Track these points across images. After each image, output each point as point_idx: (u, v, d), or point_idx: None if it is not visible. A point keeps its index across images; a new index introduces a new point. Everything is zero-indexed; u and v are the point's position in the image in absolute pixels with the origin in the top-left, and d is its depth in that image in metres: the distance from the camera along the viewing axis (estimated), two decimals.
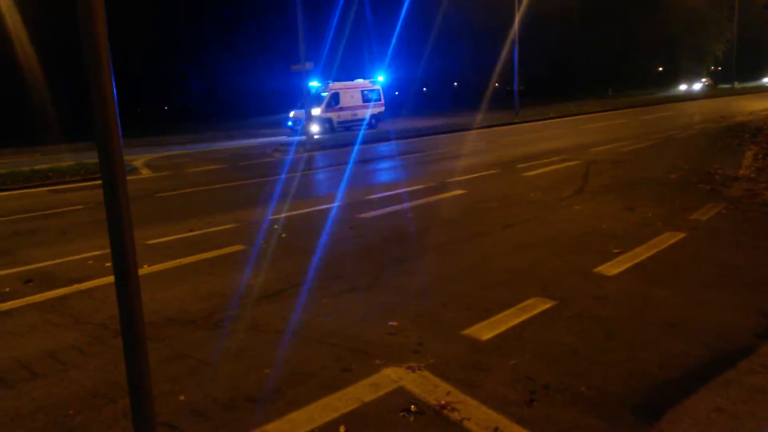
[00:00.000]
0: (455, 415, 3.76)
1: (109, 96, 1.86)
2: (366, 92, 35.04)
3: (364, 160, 19.56)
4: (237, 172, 18.21)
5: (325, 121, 32.15)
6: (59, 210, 12.34)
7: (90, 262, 7.91)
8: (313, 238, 8.73)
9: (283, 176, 16.36)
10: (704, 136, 20.83)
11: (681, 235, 7.75)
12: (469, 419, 3.71)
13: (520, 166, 15.35)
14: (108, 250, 7.25)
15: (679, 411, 3.64)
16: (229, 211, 11.23)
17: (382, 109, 35.92)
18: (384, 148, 23.75)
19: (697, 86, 59.94)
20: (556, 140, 21.92)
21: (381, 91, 35.75)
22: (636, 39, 68.35)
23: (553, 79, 53.68)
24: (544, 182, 12.62)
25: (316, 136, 27.33)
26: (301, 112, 28.11)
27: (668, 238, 7.65)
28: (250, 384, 4.32)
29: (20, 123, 32.55)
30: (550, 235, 8.23)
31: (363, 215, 10.23)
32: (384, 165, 18.66)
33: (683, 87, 62.54)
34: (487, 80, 48.26)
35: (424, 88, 61.59)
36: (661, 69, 78.60)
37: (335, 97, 33.21)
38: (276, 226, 9.61)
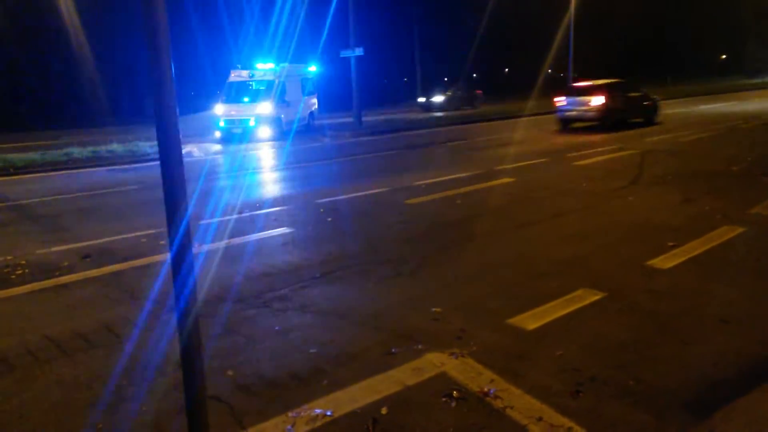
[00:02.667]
0: (498, 403, 3.73)
1: (167, 79, 1.91)
2: (302, 81, 26.31)
3: (410, 146, 19.49)
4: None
5: (277, 122, 23.13)
6: (114, 189, 12.78)
7: (143, 240, 8.18)
8: (360, 223, 8.78)
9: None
10: None
11: (740, 230, 7.44)
12: (512, 407, 3.68)
13: (570, 154, 15.01)
14: (161, 229, 7.48)
15: (732, 410, 3.51)
16: (279, 193, 11.39)
17: (316, 104, 27.94)
18: (431, 134, 23.60)
19: (439, 98, 50.66)
20: (610, 128, 21.31)
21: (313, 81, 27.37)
22: (699, 25, 65.60)
23: (609, 66, 52.06)
24: (596, 172, 12.31)
25: (268, 144, 21.31)
26: (237, 108, 22.68)
27: (726, 232, 7.36)
28: (296, 363, 4.40)
29: (78, 106, 33.77)
30: (601, 225, 8.03)
31: (410, 201, 10.21)
32: (433, 151, 18.54)
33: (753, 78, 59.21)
34: (540, 66, 47.18)
35: (474, 75, 60.78)
36: (724, 57, 75.26)
37: (283, 88, 23.87)
38: (322, 210, 9.69)
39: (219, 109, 22.75)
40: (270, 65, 23.90)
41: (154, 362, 4.51)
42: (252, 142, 21.78)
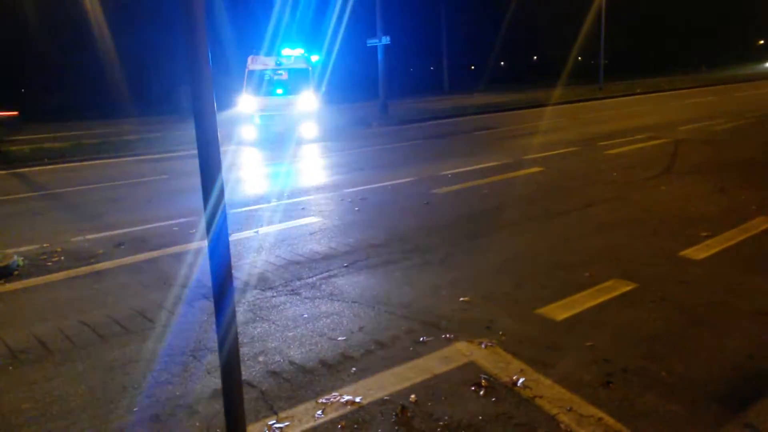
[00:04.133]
0: (527, 393, 3.72)
1: (204, 67, 1.93)
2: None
3: (437, 135, 19.40)
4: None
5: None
6: (146, 179, 13.00)
7: (175, 228, 8.32)
8: (387, 212, 8.79)
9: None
10: None
11: None
12: (541, 397, 3.67)
13: (601, 143, 14.78)
14: (191, 218, 7.60)
15: (767, 404, 3.45)
16: (307, 183, 11.46)
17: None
18: (461, 122, 23.45)
19: None
20: (642, 117, 20.92)
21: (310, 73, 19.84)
22: (735, 8, 63.67)
23: (642, 54, 51.00)
24: (627, 161, 12.10)
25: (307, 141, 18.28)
26: (272, 102, 18.74)
27: (762, 223, 7.19)
28: (325, 350, 4.44)
29: (108, 98, 34.34)
30: (633, 216, 7.91)
31: (437, 190, 10.18)
32: (460, 140, 18.42)
33: None
34: (568, 54, 46.42)
35: (502, 62, 60.07)
36: (762, 42, 73.04)
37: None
38: (350, 200, 9.73)
39: (248, 103, 18.54)
40: (299, 51, 19.69)
41: (187, 347, 4.61)
42: (294, 141, 18.10)
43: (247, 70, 19.04)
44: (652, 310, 4.92)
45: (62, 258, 7.12)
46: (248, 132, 18.45)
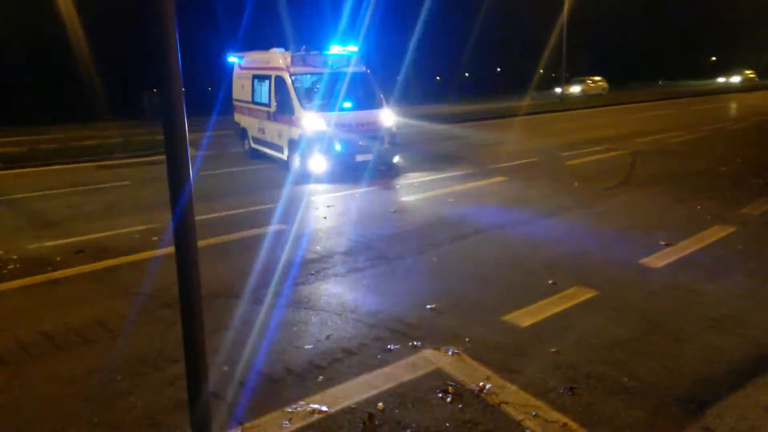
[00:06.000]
0: (493, 399, 3.76)
1: (174, 73, 1.90)
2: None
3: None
4: None
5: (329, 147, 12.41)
6: (107, 185, 12.69)
7: (137, 235, 8.14)
8: (354, 220, 8.78)
9: None
10: (758, 129, 20.06)
11: (731, 229, 7.51)
12: (507, 403, 3.70)
13: (563, 154, 15.07)
14: (153, 225, 7.42)
15: (725, 406, 3.56)
16: (270, 190, 11.35)
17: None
18: (427, 132, 23.61)
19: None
20: (602, 129, 21.42)
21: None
22: (691, 27, 65.94)
23: (602, 67, 52.33)
24: (588, 171, 12.37)
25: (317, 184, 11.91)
26: (348, 120, 12.47)
27: (717, 232, 7.43)
28: (292, 358, 4.40)
29: (69, 99, 33.44)
30: (594, 225, 8.08)
31: (404, 199, 10.22)
32: (425, 149, 18.54)
33: (721, 79, 59.37)
34: (532, 67, 47.33)
35: (467, 74, 60.77)
36: (714, 59, 75.76)
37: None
38: (317, 208, 9.68)
39: (312, 121, 12.16)
40: (352, 48, 13.69)
41: (148, 358, 4.50)
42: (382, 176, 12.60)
43: (291, 74, 12.84)
44: (613, 316, 5.03)
45: (18, 265, 6.88)
46: (326, 165, 12.09)
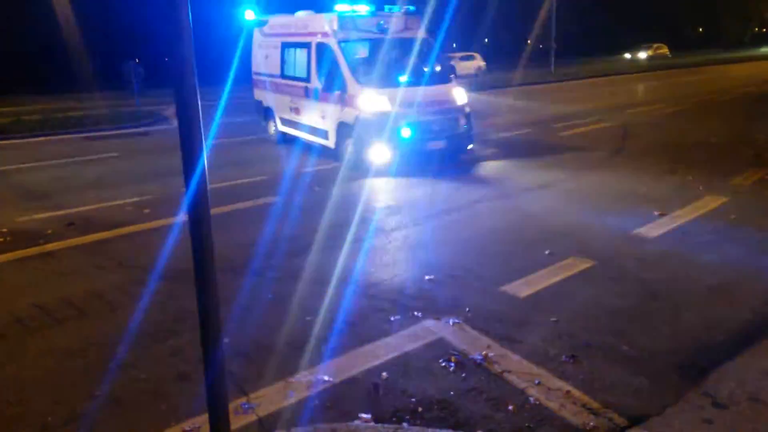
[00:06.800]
0: (496, 368, 3.79)
1: (186, 34, 1.83)
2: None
3: None
4: None
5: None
6: (95, 157, 12.49)
7: (129, 208, 8.04)
8: (348, 192, 8.72)
9: None
10: (745, 99, 20.14)
11: (723, 200, 7.57)
12: (510, 372, 3.74)
13: (556, 125, 15.05)
14: (145, 197, 7.30)
15: (724, 372, 3.62)
16: (260, 164, 11.23)
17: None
18: None
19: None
20: (592, 101, 21.38)
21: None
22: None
23: (590, 39, 52.05)
24: (581, 142, 12.37)
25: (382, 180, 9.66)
26: (413, 97, 9.88)
27: (709, 202, 7.48)
28: (292, 330, 4.40)
29: (55, 70, 32.66)
30: (588, 195, 8.11)
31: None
32: None
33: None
34: (520, 38, 47.01)
35: (454, 44, 60.27)
36: (701, 30, 75.60)
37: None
38: (309, 180, 9.61)
39: (373, 99, 9.77)
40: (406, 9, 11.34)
41: (147, 330, 4.47)
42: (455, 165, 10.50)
43: (337, 36, 10.40)
44: (610, 286, 5.07)
45: (9, 239, 6.78)
46: (390, 155, 9.68)
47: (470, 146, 10.69)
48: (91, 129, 16.64)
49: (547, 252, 5.88)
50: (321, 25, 10.83)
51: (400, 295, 4.95)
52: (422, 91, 10.01)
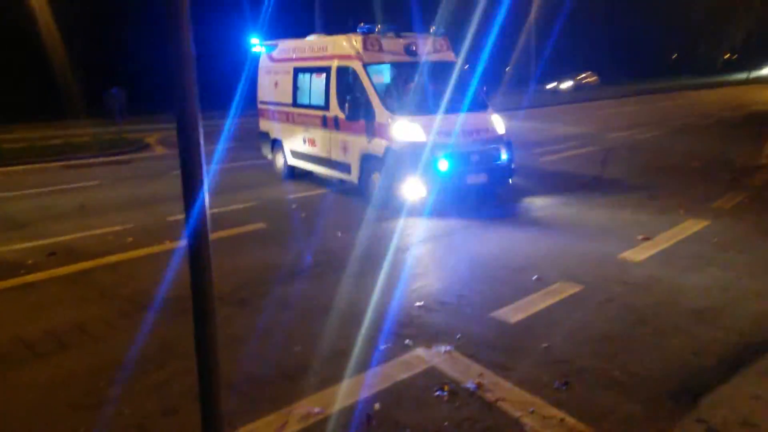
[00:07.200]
0: (489, 396, 3.75)
1: (187, 59, 1.82)
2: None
3: None
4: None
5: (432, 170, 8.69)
6: (76, 185, 12.34)
7: (110, 237, 7.92)
8: (336, 219, 8.70)
9: None
10: (721, 124, 20.59)
11: (705, 223, 7.68)
12: (503, 400, 3.71)
13: (535, 151, 15.23)
14: (128, 226, 7.19)
15: (716, 398, 3.62)
16: (249, 189, 11.18)
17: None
18: None
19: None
20: (571, 126, 21.72)
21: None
22: (654, 24, 67.19)
23: (567, 65, 53.15)
24: (562, 168, 12.52)
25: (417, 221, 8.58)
26: (451, 125, 8.99)
27: (692, 226, 7.59)
28: (282, 360, 4.33)
29: (33, 98, 32.42)
30: (572, 221, 8.18)
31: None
32: None
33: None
34: (500, 64, 47.76)
35: None
36: (675, 56, 77.49)
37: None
38: (294, 206, 9.58)
39: (406, 129, 8.81)
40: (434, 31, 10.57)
41: (131, 362, 4.37)
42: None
43: (364, 62, 9.44)
44: (599, 311, 5.08)
45: None
46: (426, 191, 8.66)
47: (510, 180, 9.70)
48: (72, 157, 16.48)
49: (534, 277, 5.89)
50: (343, 46, 9.88)
51: (390, 323, 4.91)
52: (460, 119, 9.10)
